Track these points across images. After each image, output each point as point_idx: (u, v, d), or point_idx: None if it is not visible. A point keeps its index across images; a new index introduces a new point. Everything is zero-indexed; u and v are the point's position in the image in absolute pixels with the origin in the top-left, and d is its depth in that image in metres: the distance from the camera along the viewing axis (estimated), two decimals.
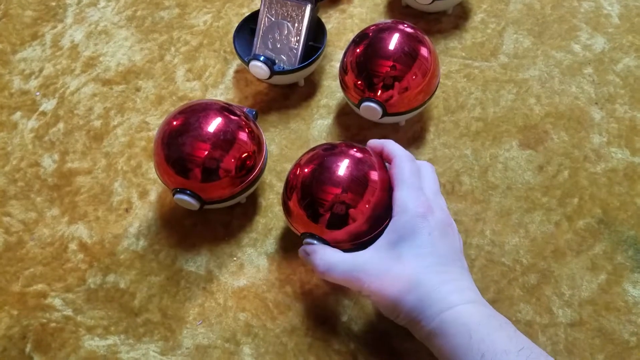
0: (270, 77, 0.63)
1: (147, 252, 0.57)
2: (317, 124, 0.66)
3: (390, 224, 0.46)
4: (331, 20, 0.74)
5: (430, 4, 0.69)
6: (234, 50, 0.68)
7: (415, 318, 0.42)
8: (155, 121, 0.67)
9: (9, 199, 0.62)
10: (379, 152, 0.51)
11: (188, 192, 0.52)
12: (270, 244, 0.57)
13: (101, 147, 0.65)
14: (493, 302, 0.52)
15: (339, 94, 0.68)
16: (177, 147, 0.51)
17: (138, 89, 0.70)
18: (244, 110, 0.56)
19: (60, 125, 0.68)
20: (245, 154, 0.53)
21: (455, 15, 0.73)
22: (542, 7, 0.73)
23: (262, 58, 0.62)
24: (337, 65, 0.70)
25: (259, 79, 0.68)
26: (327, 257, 0.46)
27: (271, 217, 0.59)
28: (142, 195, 0.61)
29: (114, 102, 0.69)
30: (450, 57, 0.69)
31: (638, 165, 0.59)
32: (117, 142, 0.66)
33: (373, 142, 0.52)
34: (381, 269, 0.44)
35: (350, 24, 0.74)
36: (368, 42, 0.59)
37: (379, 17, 0.75)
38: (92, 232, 0.59)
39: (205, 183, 0.52)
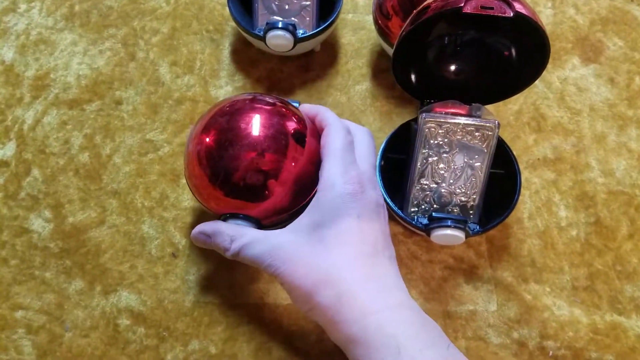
0: (293, 47, 0.50)
1: (224, 297, 0.44)
2: (356, 91, 0.54)
3: (314, 200, 0.37)
4: None
5: None
6: (218, 27, 0.54)
7: (332, 318, 0.34)
8: (159, 136, 0.51)
9: (8, 286, 0.45)
10: (312, 119, 0.42)
11: (241, 216, 0.39)
12: None
13: (103, 186, 0.49)
14: (629, 238, 0.45)
15: (364, 50, 0.56)
16: (224, 161, 0.38)
17: (119, 102, 0.53)
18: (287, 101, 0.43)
19: (35, 172, 0.50)
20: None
21: None
22: None
23: (280, 24, 0.48)
24: (349, 16, 0.58)
25: (268, 53, 0.54)
26: (237, 236, 0.37)
27: None
28: (184, 230, 0.47)
29: (94, 126, 0.52)
30: None
31: None
32: (121, 173, 0.49)
33: (306, 107, 0.43)
34: (297, 255, 0.35)
35: None
36: None
37: None
38: (141, 295, 0.44)
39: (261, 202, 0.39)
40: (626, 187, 0.48)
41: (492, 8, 0.36)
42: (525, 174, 0.48)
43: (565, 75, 0.54)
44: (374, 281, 0.35)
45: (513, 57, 0.42)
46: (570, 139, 0.50)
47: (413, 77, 0.44)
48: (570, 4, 0.58)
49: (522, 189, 0.46)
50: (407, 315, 0.34)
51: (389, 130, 0.51)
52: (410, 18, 0.40)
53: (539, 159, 0.49)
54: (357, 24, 0.57)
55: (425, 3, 0.39)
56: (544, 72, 0.53)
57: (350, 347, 0.33)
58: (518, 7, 0.36)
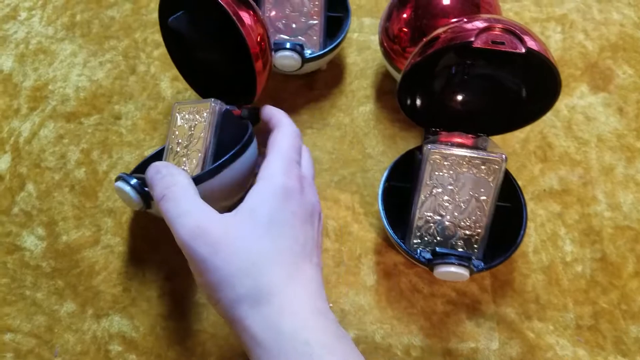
0: (301, 67, 0.48)
1: (218, 327, 0.42)
2: (359, 113, 0.52)
3: (251, 190, 0.34)
4: None
5: None
6: None
7: (241, 314, 0.30)
8: None
9: None
10: (267, 121, 0.41)
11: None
12: (366, 274, 0.44)
13: (98, 204, 0.47)
14: (635, 276, 0.44)
15: (369, 71, 0.54)
16: None
17: (117, 117, 0.52)
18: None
19: (30, 187, 0.48)
20: None
21: None
22: None
23: (288, 44, 0.47)
24: (355, 35, 0.56)
25: (272, 71, 0.53)
26: (174, 185, 0.34)
27: (352, 240, 0.46)
28: (179, 252, 0.45)
29: (92, 141, 0.51)
30: None
31: None
32: None
33: (266, 109, 0.41)
34: (225, 236, 0.32)
35: None
36: (415, 0, 0.46)
37: None
38: (134, 321, 0.42)
39: None
40: (633, 222, 0.46)
41: (503, 43, 0.34)
42: (530, 205, 0.47)
43: (573, 103, 0.52)
44: (297, 281, 0.32)
45: (522, 90, 0.40)
46: (577, 170, 0.49)
47: (418, 105, 0.43)
48: (579, 29, 0.56)
49: (527, 222, 0.44)
50: (325, 325, 0.30)
51: (392, 154, 0.50)
52: (418, 48, 0.38)
53: (544, 190, 0.48)
54: (363, 44, 0.56)
55: (434, 33, 0.38)
56: None
57: (255, 350, 0.29)
58: (530, 42, 0.34)
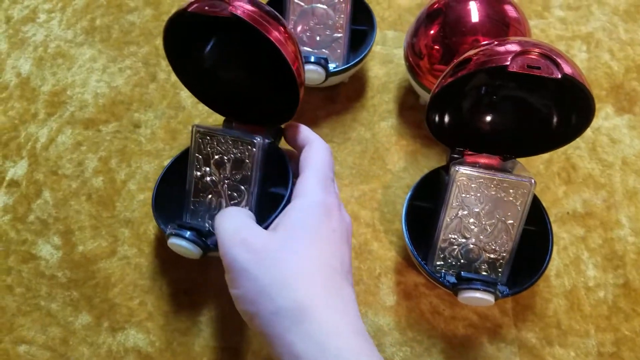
0: (324, 81, 0.48)
1: (236, 343, 0.41)
2: (381, 128, 0.51)
3: (290, 208, 0.34)
4: None
5: None
6: None
7: (282, 329, 0.29)
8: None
9: (12, 317, 0.42)
10: (293, 138, 0.40)
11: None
12: (386, 294, 0.44)
13: (116, 214, 0.47)
14: None
15: (391, 85, 0.54)
16: None
17: (137, 125, 0.51)
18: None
19: (46, 194, 0.48)
20: None
21: None
22: None
23: (313, 59, 0.46)
24: (378, 48, 0.55)
25: None
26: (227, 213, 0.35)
27: (371, 259, 0.45)
28: (200, 266, 0.44)
29: (111, 149, 0.50)
30: None
31: None
32: (136, 202, 0.47)
33: (293, 126, 0.41)
34: (264, 245, 0.31)
35: None
36: (443, 17, 0.46)
37: None
38: (150, 335, 0.42)
39: None
40: None
41: (539, 68, 0.33)
42: (553, 228, 0.46)
43: (598, 124, 0.51)
44: (337, 299, 0.31)
45: (554, 114, 0.39)
46: (601, 193, 0.48)
47: (446, 124, 0.42)
48: (605, 48, 0.55)
49: (553, 246, 0.44)
50: (366, 347, 0.29)
51: (414, 171, 0.49)
52: (449, 68, 0.38)
53: (568, 212, 0.47)
54: (385, 57, 0.55)
55: (466, 54, 0.37)
56: None
57: None
58: (566, 68, 0.34)
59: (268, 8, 0.36)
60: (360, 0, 0.52)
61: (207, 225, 0.41)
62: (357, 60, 0.49)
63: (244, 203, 0.40)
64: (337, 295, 0.31)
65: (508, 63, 0.34)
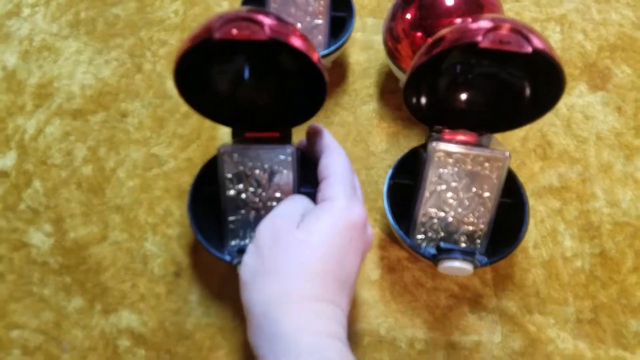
0: None
1: (226, 320, 0.42)
2: (363, 112, 0.52)
3: (318, 213, 0.34)
4: None
5: None
6: None
7: (267, 316, 0.31)
8: (164, 150, 0.50)
9: (4, 303, 0.43)
10: (311, 139, 0.41)
11: None
12: (370, 269, 0.45)
13: (106, 201, 0.47)
14: (634, 271, 0.44)
15: (372, 70, 0.54)
16: None
17: (124, 115, 0.52)
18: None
19: (37, 184, 0.48)
20: None
21: None
22: None
23: None
24: (358, 34, 0.56)
25: None
26: None
27: None
28: (188, 248, 0.45)
29: (99, 138, 0.50)
30: None
31: None
32: (125, 189, 0.48)
33: (312, 128, 0.41)
34: (287, 233, 0.33)
35: None
36: (419, 1, 0.46)
37: None
38: (142, 316, 0.42)
39: None
40: (632, 218, 0.47)
41: (509, 43, 0.34)
42: (530, 202, 0.47)
43: (572, 102, 0.52)
44: (323, 304, 0.32)
45: (526, 89, 0.40)
46: (576, 167, 0.49)
47: (423, 103, 0.43)
48: (579, 29, 0.57)
49: (528, 218, 0.45)
50: (341, 349, 0.30)
51: (396, 152, 0.50)
52: (424, 47, 0.38)
53: (544, 187, 0.48)
54: (366, 44, 0.56)
55: (440, 33, 0.38)
56: None
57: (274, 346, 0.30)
58: (536, 42, 0.35)
59: (283, 17, 0.36)
60: None
61: (248, 240, 0.40)
62: (336, 46, 0.50)
63: None
64: (329, 299, 0.32)
65: (480, 39, 0.35)
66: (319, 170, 0.37)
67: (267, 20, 0.35)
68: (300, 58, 0.36)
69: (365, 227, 0.35)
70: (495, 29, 0.35)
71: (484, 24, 0.36)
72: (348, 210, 0.34)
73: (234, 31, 0.34)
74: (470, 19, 0.38)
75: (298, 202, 0.37)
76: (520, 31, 0.34)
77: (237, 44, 0.35)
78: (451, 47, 0.36)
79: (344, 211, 0.34)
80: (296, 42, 0.35)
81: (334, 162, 0.37)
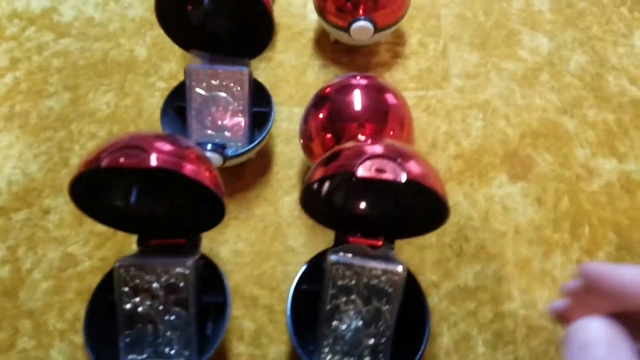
0: (223, 164, 0.48)
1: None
2: (284, 203, 0.52)
3: None
4: (259, 72, 0.60)
5: (369, 38, 0.57)
6: None
7: None
8: (80, 249, 0.49)
9: None
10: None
11: None
12: None
13: (19, 304, 0.46)
14: None
15: (296, 160, 0.54)
16: None
17: (47, 211, 0.51)
18: None
19: None
20: None
21: (390, 43, 0.62)
22: (474, 15, 0.64)
23: (209, 147, 0.47)
24: (284, 124, 0.56)
25: None
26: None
27: (266, 344, 0.45)
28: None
29: (19, 237, 0.50)
30: (402, 91, 0.58)
31: (630, 173, 0.52)
32: (39, 291, 0.47)
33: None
34: None
35: (283, 72, 0.60)
36: (330, 104, 0.46)
37: (309, 60, 0.61)
38: None
39: None
40: (548, 321, 0.45)
41: (384, 171, 0.34)
42: (444, 303, 0.46)
43: (492, 192, 0.52)
44: None
45: (414, 211, 0.40)
46: (493, 265, 0.48)
47: (322, 211, 0.42)
48: (501, 114, 0.56)
49: (440, 321, 0.44)
50: None
51: (313, 246, 0.49)
52: (321, 160, 0.38)
53: (459, 285, 0.47)
54: (292, 133, 0.56)
55: (337, 148, 0.38)
56: (470, 190, 0.51)
57: None
58: (413, 170, 0.34)
59: (182, 141, 0.38)
60: (261, 86, 0.53)
61: (145, 355, 0.40)
62: (257, 141, 0.50)
63: (182, 323, 0.39)
64: None
65: (355, 169, 0.34)
66: None
67: (158, 148, 0.35)
68: (193, 182, 0.36)
69: None
70: (372, 157, 0.34)
71: (367, 150, 0.35)
72: None
73: (122, 159, 0.34)
74: (360, 143, 0.38)
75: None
76: (396, 159, 0.34)
77: (127, 170, 0.35)
78: (333, 174, 0.36)
79: None
80: (187, 168, 0.35)
81: None
